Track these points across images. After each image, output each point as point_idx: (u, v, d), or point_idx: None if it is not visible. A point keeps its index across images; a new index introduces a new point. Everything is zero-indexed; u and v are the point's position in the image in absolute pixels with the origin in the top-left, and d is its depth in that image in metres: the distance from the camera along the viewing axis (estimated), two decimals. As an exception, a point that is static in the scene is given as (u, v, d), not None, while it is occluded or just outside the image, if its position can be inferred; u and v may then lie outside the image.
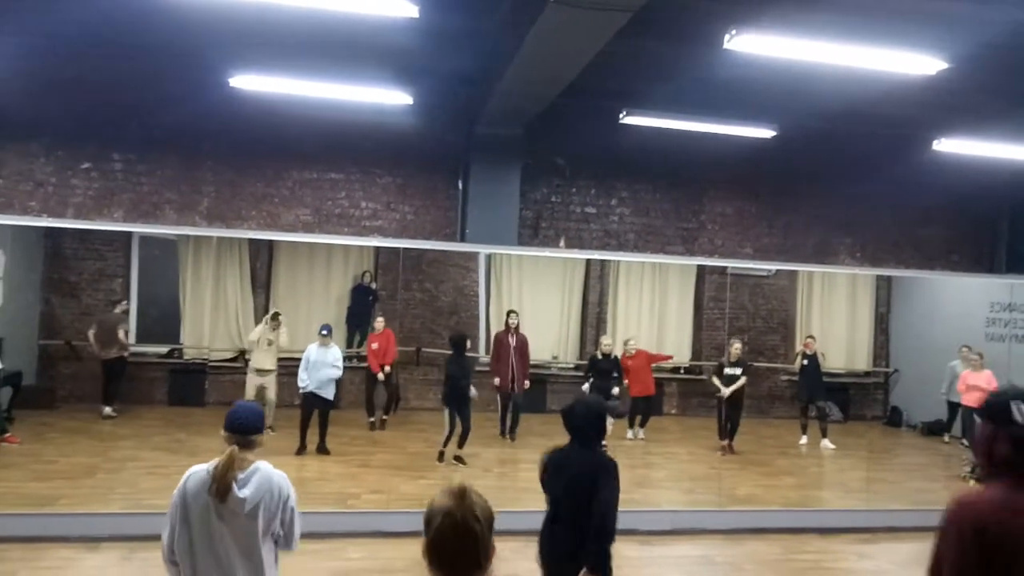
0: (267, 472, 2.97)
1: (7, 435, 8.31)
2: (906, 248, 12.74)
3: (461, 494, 2.00)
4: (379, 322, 10.00)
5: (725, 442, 9.79)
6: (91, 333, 9.91)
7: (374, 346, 9.85)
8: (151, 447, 8.67)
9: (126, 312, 10.53)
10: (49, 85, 10.02)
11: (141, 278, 11.48)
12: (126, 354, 10.16)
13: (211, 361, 11.30)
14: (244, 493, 2.88)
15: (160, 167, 10.62)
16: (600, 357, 9.98)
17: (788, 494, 8.37)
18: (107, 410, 9.88)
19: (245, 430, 2.97)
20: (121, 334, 10.02)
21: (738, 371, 9.77)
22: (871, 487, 8.54)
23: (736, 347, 9.97)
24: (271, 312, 9.71)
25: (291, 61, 8.39)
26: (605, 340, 10.24)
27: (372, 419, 10.09)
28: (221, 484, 2.86)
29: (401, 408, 10.87)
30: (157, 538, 5.70)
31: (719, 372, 9.95)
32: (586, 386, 9.69)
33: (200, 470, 2.96)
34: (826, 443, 10.37)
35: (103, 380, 10.00)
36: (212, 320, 11.40)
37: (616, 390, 9.67)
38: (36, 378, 10.40)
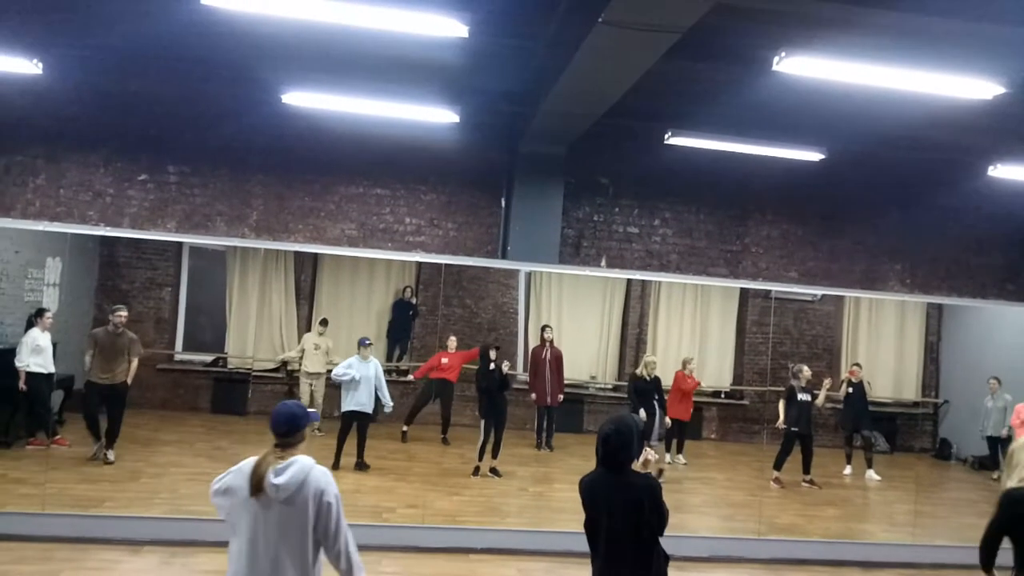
0: (305, 464, 2.98)
1: (57, 437, 8.56)
2: (959, 276, 12.39)
3: None
4: (452, 341, 10.17)
5: (776, 474, 9.35)
6: (87, 357, 8.00)
7: (443, 361, 9.86)
8: (193, 453, 8.85)
9: (123, 321, 7.99)
10: (110, 99, 10.42)
11: (190, 287, 11.79)
12: (129, 381, 8.05)
13: (254, 371, 11.51)
14: (278, 480, 2.90)
15: (213, 180, 10.91)
16: (640, 377, 9.38)
17: (830, 525, 8.15)
18: (102, 449, 7.99)
19: (280, 432, 3.04)
20: (134, 363, 8.05)
21: (810, 396, 9.34)
22: (917, 521, 8.27)
23: (806, 370, 9.47)
24: (320, 318, 10.42)
25: (342, 79, 8.57)
26: (650, 358, 9.47)
27: (405, 429, 10.14)
28: (253, 478, 2.93)
29: (439, 423, 10.89)
30: (197, 544, 5.87)
31: (791, 398, 9.33)
32: (643, 414, 8.91)
33: (251, 461, 3.03)
34: (871, 474, 10.08)
35: (85, 407, 7.97)
36: (256, 330, 11.62)
37: (656, 417, 9.23)
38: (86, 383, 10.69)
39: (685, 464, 10.17)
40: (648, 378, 9.33)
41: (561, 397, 10.16)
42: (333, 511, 2.98)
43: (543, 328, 10.43)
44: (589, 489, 3.42)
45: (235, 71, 9.34)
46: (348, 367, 8.44)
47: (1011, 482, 3.79)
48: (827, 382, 9.95)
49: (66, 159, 10.61)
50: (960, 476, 11.46)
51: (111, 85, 10.23)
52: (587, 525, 3.45)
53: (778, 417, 9.47)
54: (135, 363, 8.05)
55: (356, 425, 8.52)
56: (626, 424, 3.43)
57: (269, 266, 11.65)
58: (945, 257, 12.37)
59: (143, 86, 10.19)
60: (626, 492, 3.31)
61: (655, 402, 9.25)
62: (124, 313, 8.09)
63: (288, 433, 3.03)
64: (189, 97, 10.36)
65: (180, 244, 11.44)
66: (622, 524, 3.30)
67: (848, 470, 10.29)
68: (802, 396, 9.32)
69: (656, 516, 3.30)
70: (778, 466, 9.40)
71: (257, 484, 2.91)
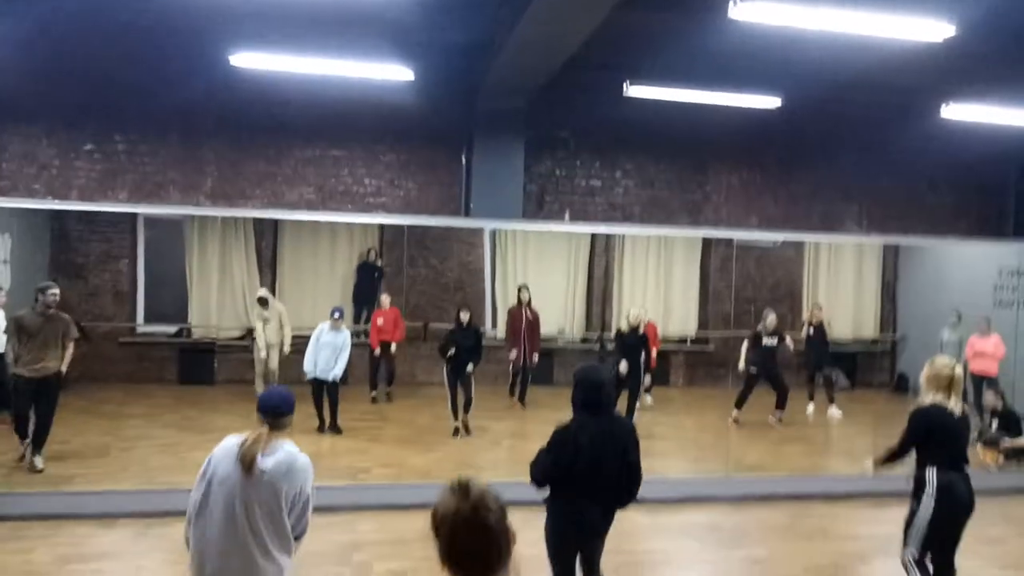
0: (292, 452, 3.08)
1: (20, 416, 8.37)
2: (913, 215, 12.67)
3: (465, 489, 1.90)
4: (385, 299, 10.09)
5: (735, 413, 9.71)
6: (11, 345, 6.86)
7: (379, 321, 9.94)
8: (162, 425, 8.77)
9: (56, 301, 6.83)
10: (50, 67, 9.99)
11: (148, 258, 11.54)
12: (64, 370, 6.91)
13: (219, 340, 11.38)
14: (265, 464, 2.98)
15: (163, 147, 10.61)
16: (627, 331, 9.32)
17: (796, 461, 8.42)
18: (37, 460, 6.83)
19: (275, 412, 3.09)
20: (69, 349, 6.92)
21: (775, 341, 9.68)
22: (877, 453, 8.57)
23: (772, 318, 9.76)
24: (257, 297, 9.95)
25: (291, 38, 8.32)
26: (634, 311, 9.37)
27: (374, 393, 10.22)
28: (247, 456, 2.96)
29: (411, 383, 10.94)
30: (170, 515, 5.85)
31: (756, 343, 9.68)
32: (623, 365, 9.03)
33: (233, 440, 3.06)
34: (833, 411, 10.42)
35: (15, 404, 6.89)
36: (219, 299, 11.46)
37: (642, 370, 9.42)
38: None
39: (652, 404, 10.40)
40: (637, 332, 9.29)
41: (536, 357, 10.25)
42: (305, 505, 3.10)
43: (520, 288, 10.36)
44: (576, 434, 3.77)
45: (179, 33, 9.00)
46: (317, 332, 8.48)
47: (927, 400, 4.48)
48: (790, 341, 10.17)
49: (6, 132, 10.21)
50: (917, 409, 11.85)
51: (50, 52, 9.78)
52: (559, 466, 3.76)
53: (739, 360, 9.82)
54: (71, 349, 6.93)
55: (326, 388, 8.51)
56: (606, 371, 4.08)
57: (228, 234, 11.43)
58: (900, 198, 12.62)
59: (84, 53, 9.77)
60: (615, 428, 3.85)
61: (641, 355, 9.28)
62: (56, 291, 6.88)
63: (285, 413, 3.10)
64: (132, 62, 9.96)
65: (134, 215, 11.15)
66: (611, 460, 3.77)
67: (811, 408, 10.61)
68: (767, 341, 9.68)
69: (636, 453, 3.86)
70: (738, 404, 9.74)
71: (249, 464, 2.95)
